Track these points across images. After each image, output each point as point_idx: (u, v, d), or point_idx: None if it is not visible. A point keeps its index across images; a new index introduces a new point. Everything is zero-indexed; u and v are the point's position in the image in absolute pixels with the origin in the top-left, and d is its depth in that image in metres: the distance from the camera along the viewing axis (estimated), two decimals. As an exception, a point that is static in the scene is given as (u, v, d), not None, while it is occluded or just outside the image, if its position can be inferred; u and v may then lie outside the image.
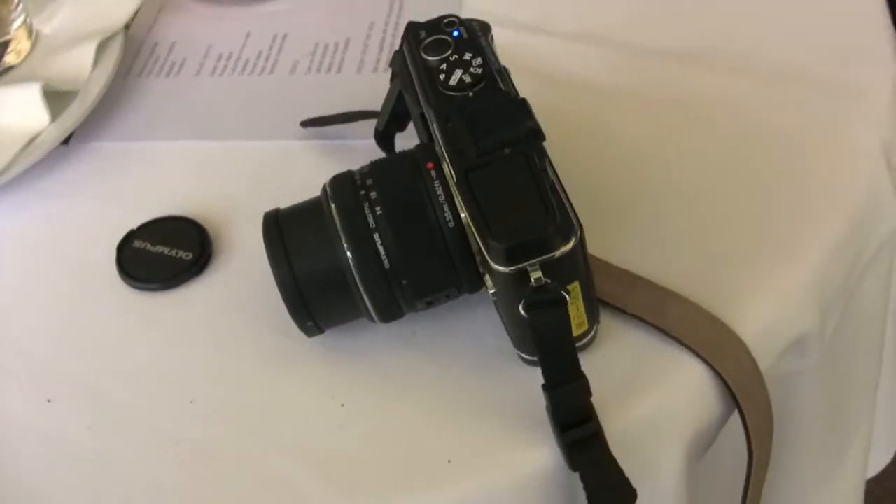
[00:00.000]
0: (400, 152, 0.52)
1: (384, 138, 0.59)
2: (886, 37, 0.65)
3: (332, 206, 0.49)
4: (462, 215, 0.48)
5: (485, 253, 0.45)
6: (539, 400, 0.47)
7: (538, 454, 0.48)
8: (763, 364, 0.52)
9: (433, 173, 0.49)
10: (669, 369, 0.51)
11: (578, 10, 0.71)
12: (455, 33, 0.52)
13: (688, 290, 0.52)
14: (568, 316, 0.45)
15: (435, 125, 0.49)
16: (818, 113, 0.60)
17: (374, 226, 0.48)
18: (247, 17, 0.72)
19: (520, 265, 0.44)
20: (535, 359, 0.50)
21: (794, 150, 0.59)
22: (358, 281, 0.48)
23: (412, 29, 0.54)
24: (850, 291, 0.58)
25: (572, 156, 0.48)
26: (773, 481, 0.56)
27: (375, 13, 0.71)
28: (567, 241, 0.45)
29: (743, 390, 0.51)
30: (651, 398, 0.50)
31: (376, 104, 0.62)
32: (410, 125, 0.59)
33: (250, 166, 0.62)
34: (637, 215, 0.57)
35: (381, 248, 0.48)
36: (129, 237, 0.58)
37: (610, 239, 0.52)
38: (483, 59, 0.51)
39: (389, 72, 0.65)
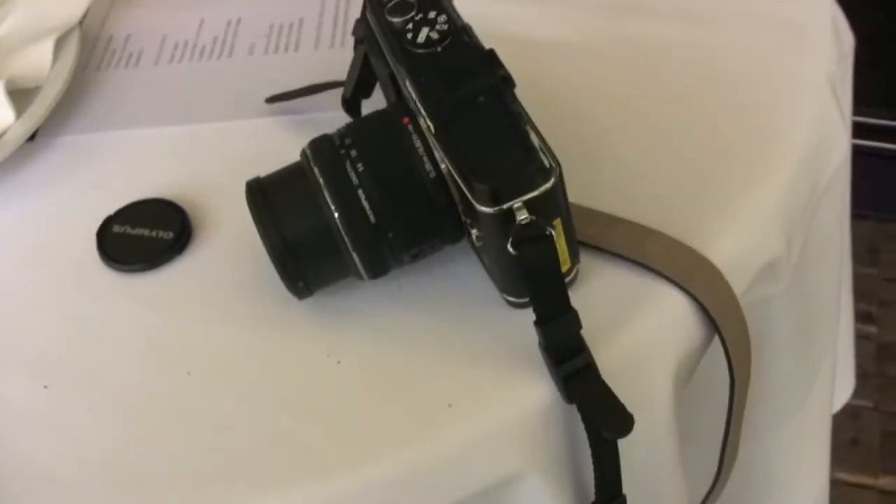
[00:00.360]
0: (375, 111, 0.53)
1: (351, 105, 0.60)
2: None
3: (314, 168, 0.50)
4: (442, 166, 0.49)
5: (469, 197, 0.47)
6: (528, 339, 0.49)
7: (535, 390, 0.49)
8: (738, 289, 0.54)
9: (410, 127, 0.50)
10: (651, 301, 0.53)
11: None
12: (417, -7, 0.54)
13: (662, 225, 0.54)
14: (555, 248, 0.47)
15: (407, 81, 0.50)
16: (765, 51, 0.63)
17: (357, 182, 0.49)
18: (199, 6, 0.73)
19: (505, 205, 0.46)
20: (521, 300, 0.52)
21: (748, 87, 0.61)
22: (346, 237, 0.50)
23: (371, -5, 0.55)
24: (810, 217, 0.60)
25: (537, 109, 0.50)
26: (749, 412, 0.59)
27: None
28: (548, 179, 0.46)
29: (721, 315, 0.53)
30: (636, 329, 0.52)
31: (337, 77, 0.63)
32: (376, 91, 0.60)
33: (220, 146, 0.63)
34: (606, 160, 0.59)
35: (365, 204, 0.49)
36: (108, 222, 0.58)
37: (583, 184, 0.54)
38: (447, 16, 0.52)
39: (345, 46, 0.66)
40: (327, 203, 0.49)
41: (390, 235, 0.50)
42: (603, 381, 0.48)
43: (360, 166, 0.49)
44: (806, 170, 0.58)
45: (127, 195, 0.60)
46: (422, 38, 0.51)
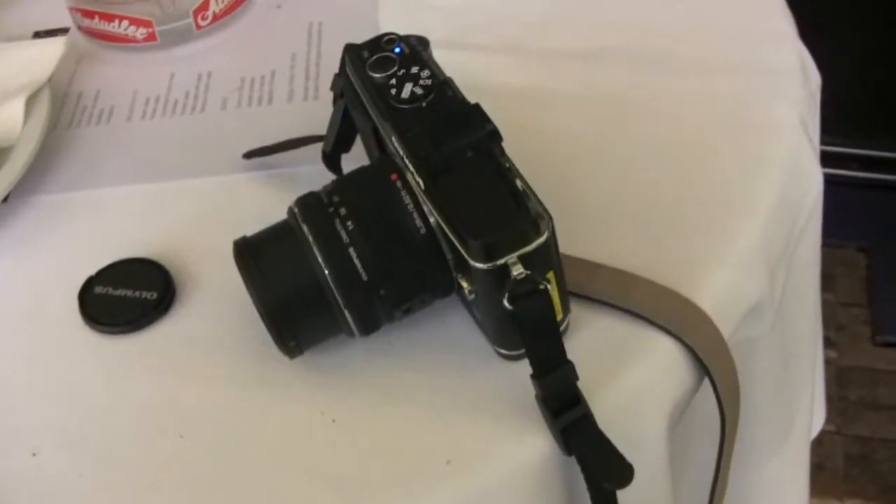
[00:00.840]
0: (361, 168, 0.53)
1: (332, 160, 0.60)
2: (785, 16, 0.69)
3: (303, 226, 0.50)
4: (431, 220, 0.49)
5: (463, 253, 0.47)
6: (523, 391, 0.49)
7: (532, 443, 0.49)
8: (725, 331, 0.54)
9: (398, 183, 0.50)
10: (641, 348, 0.53)
11: (487, 22, 0.74)
12: (397, 49, 0.54)
13: (646, 271, 0.55)
14: (552, 302, 0.47)
15: (393, 137, 0.50)
16: (739, 94, 0.64)
17: (348, 240, 0.49)
18: (167, 61, 0.73)
19: (500, 260, 0.46)
20: (514, 353, 0.52)
21: (722, 131, 0.62)
22: (338, 296, 0.49)
23: (352, 50, 0.55)
24: (791, 254, 0.61)
25: (515, 158, 0.50)
26: (735, 447, 0.59)
27: (295, 44, 0.72)
28: (541, 233, 0.47)
29: (711, 359, 0.54)
30: (628, 377, 0.52)
31: (313, 130, 0.63)
32: (356, 144, 0.60)
33: (198, 204, 0.63)
34: (586, 208, 0.59)
35: (357, 262, 0.49)
36: (90, 283, 0.58)
37: (566, 232, 0.54)
38: (430, 71, 0.52)
39: (319, 99, 0.66)
40: (318, 262, 0.49)
41: (382, 292, 0.50)
42: (601, 432, 0.48)
43: (350, 224, 0.49)
44: (785, 208, 0.60)
45: (106, 255, 0.59)
46: (406, 93, 0.52)
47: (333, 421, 0.51)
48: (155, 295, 0.57)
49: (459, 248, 0.47)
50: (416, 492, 0.49)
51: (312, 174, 0.62)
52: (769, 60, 0.66)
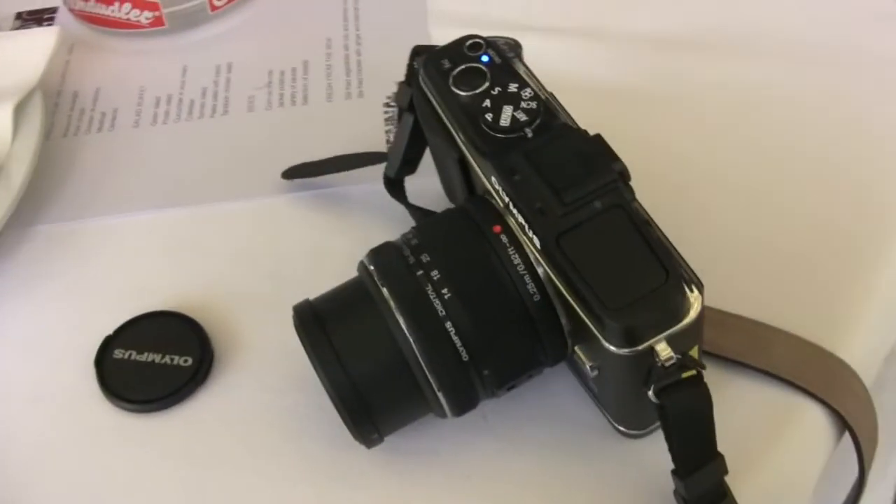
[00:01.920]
0: (448, 212, 0.43)
1: (395, 184, 0.50)
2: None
3: (384, 290, 0.40)
4: (547, 286, 0.40)
5: (596, 333, 0.37)
6: (650, 474, 0.42)
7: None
8: (868, 384, 0.46)
9: (504, 238, 0.40)
10: (787, 418, 0.45)
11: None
12: (485, 58, 0.44)
13: (782, 322, 0.46)
14: (709, 394, 0.37)
15: (495, 179, 0.40)
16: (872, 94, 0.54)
17: (444, 313, 0.39)
18: (178, 50, 0.62)
19: (643, 345, 0.37)
20: (642, 432, 0.43)
21: (856, 141, 0.52)
22: (432, 380, 0.40)
23: (427, 56, 0.45)
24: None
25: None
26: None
27: (329, 27, 0.61)
28: (692, 306, 0.37)
29: (858, 422, 0.46)
30: (774, 455, 0.44)
31: (360, 137, 0.53)
32: (424, 164, 0.50)
33: (232, 236, 0.52)
34: (704, 242, 0.49)
35: (456, 339, 0.40)
36: (107, 346, 0.48)
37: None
38: (532, 90, 0.42)
39: (365, 97, 0.56)
40: (406, 337, 0.40)
41: (486, 372, 0.40)
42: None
43: (445, 292, 0.40)
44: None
45: (125, 303, 0.49)
46: (506, 119, 0.41)
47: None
48: (190, 361, 0.47)
49: (590, 325, 0.37)
50: None
51: (369, 195, 0.53)
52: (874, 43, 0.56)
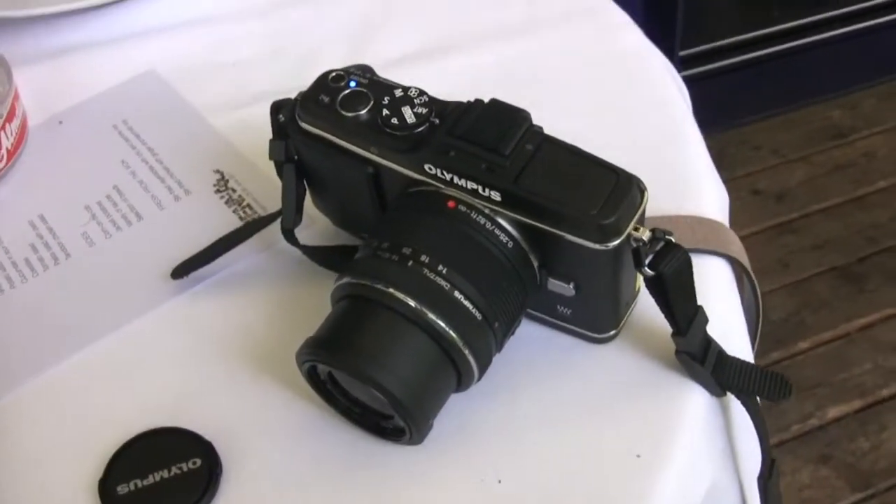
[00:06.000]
0: (397, 214, 0.47)
1: (292, 234, 0.53)
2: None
3: (391, 290, 0.44)
4: (513, 231, 0.45)
5: (580, 242, 0.44)
6: (641, 365, 0.49)
7: (693, 400, 0.48)
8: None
9: (462, 208, 0.46)
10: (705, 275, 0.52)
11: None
12: (352, 83, 0.49)
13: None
14: (687, 252, 0.45)
15: (429, 164, 0.46)
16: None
17: (450, 286, 0.44)
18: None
19: (626, 232, 0.44)
20: (609, 334, 0.49)
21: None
22: (465, 349, 0.44)
23: (303, 100, 0.49)
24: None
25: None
26: None
27: (115, 150, 0.62)
28: (643, 186, 0.45)
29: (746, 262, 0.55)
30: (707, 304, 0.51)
31: (211, 227, 0.55)
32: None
33: (153, 349, 0.53)
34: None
35: (467, 304, 0.44)
36: (105, 485, 0.47)
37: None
38: (414, 89, 0.48)
39: (193, 193, 0.58)
40: (430, 319, 0.44)
41: (496, 325, 0.45)
42: (742, 361, 0.48)
43: (441, 269, 0.44)
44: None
45: (97, 446, 0.48)
46: (410, 117, 0.47)
47: (499, 481, 0.46)
48: (198, 462, 0.47)
49: (573, 239, 0.44)
50: (627, 490, 0.45)
51: (263, 265, 0.55)
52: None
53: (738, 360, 0.47)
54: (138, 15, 0.69)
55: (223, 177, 0.60)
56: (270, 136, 0.51)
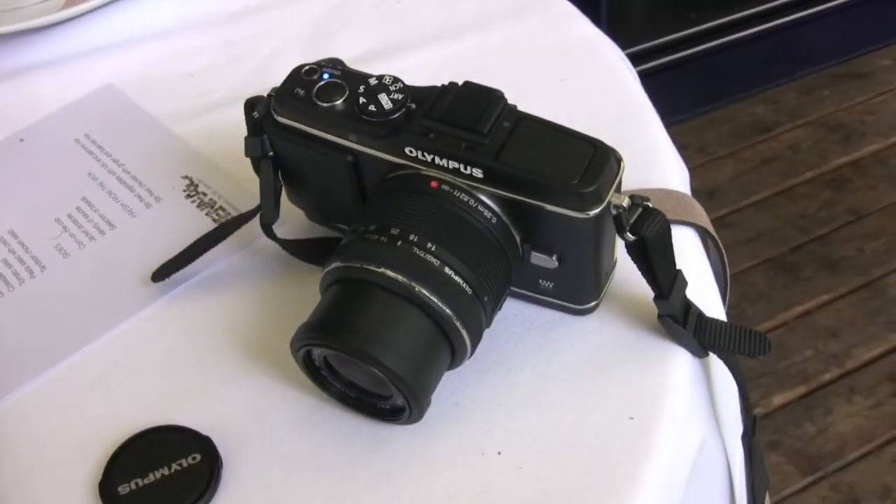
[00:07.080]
0: (382, 197, 0.48)
1: (270, 230, 0.54)
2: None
3: (383, 270, 0.45)
4: (495, 206, 0.47)
5: (564, 212, 0.45)
6: (618, 333, 0.50)
7: (675, 363, 0.49)
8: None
9: (444, 187, 0.47)
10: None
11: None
12: (326, 75, 0.50)
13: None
14: (665, 216, 0.47)
15: (410, 147, 0.47)
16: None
17: (439, 262, 0.45)
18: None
19: (607, 199, 0.45)
20: (590, 305, 0.51)
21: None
22: (458, 323, 0.45)
23: (278, 95, 0.50)
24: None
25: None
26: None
27: (81, 164, 0.62)
28: (619, 155, 0.46)
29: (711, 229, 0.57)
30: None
31: (186, 231, 0.56)
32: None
33: (135, 353, 0.53)
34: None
35: (458, 280, 0.45)
36: (105, 487, 0.47)
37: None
38: (388, 77, 0.49)
39: (165, 199, 0.59)
40: (424, 296, 0.45)
41: (486, 298, 0.47)
42: (720, 321, 0.49)
43: (431, 246, 0.45)
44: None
45: (94, 450, 0.48)
46: (388, 103, 0.48)
47: (499, 453, 0.47)
48: (198, 456, 0.47)
49: (557, 210, 0.45)
50: (626, 457, 0.46)
51: (240, 263, 0.56)
52: None
53: (716, 320, 0.49)
54: (93, 31, 0.70)
55: (192, 182, 0.60)
56: (235, 139, 0.52)
